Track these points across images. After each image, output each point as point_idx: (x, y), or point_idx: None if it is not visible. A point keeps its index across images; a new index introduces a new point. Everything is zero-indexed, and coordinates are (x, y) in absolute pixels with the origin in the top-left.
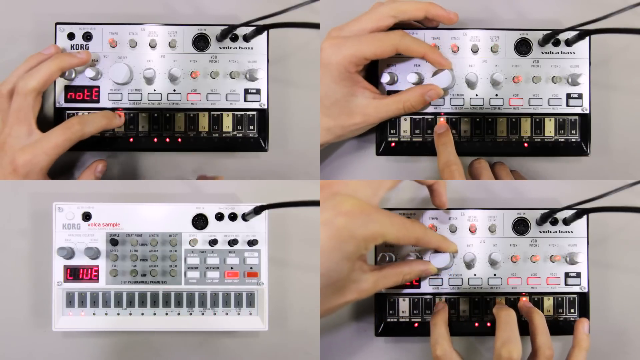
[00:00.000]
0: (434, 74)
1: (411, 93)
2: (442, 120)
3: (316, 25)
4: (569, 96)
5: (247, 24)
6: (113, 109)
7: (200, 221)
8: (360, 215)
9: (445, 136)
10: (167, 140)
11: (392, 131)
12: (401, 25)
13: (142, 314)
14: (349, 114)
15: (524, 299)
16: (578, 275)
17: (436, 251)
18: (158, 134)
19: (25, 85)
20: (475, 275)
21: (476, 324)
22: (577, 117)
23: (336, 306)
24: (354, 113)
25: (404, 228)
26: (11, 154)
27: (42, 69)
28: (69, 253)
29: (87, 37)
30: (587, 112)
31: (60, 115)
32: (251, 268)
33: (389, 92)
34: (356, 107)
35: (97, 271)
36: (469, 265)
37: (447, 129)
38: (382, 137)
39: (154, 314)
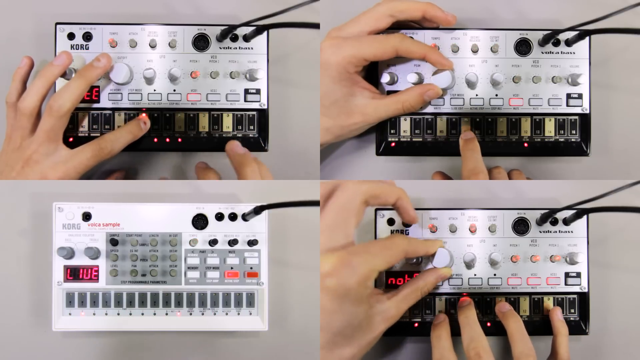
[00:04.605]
0: (434, 73)
1: (410, 93)
2: (467, 128)
3: (316, 25)
4: (569, 96)
5: (247, 24)
6: (134, 110)
7: (200, 221)
8: (343, 267)
9: (472, 142)
10: (167, 140)
11: (392, 131)
12: (400, 26)
13: (142, 314)
14: (348, 114)
15: (502, 302)
16: (578, 275)
17: (432, 256)
18: (158, 134)
19: (60, 108)
20: (475, 275)
21: None
22: (577, 117)
23: (373, 339)
24: (353, 113)
25: (388, 250)
26: (40, 170)
27: (72, 90)
28: (69, 253)
29: (87, 37)
30: (587, 112)
31: None
32: (251, 268)
33: (389, 92)
34: (355, 106)
35: (97, 271)
36: (469, 265)
37: (474, 137)
38: (382, 137)
39: (154, 314)
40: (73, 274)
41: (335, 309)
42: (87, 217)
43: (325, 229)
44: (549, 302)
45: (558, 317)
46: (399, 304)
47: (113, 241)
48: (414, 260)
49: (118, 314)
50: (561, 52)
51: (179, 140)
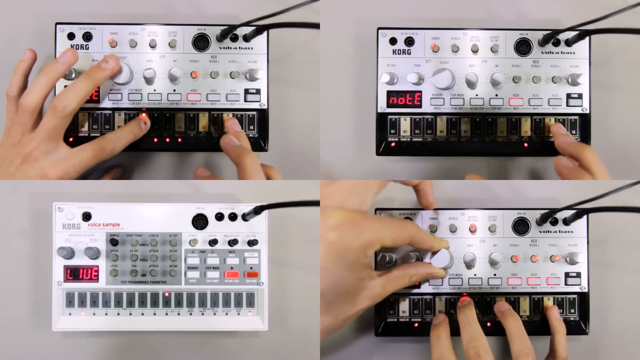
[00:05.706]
0: (434, 73)
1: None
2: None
3: (316, 25)
4: (569, 96)
5: (247, 24)
6: (134, 110)
7: (200, 221)
8: (352, 226)
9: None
10: (167, 140)
11: (392, 131)
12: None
13: (142, 314)
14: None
15: (501, 301)
16: (578, 275)
17: (433, 253)
18: (158, 134)
19: (64, 108)
20: (475, 275)
21: None
22: (577, 117)
23: (353, 315)
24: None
25: (398, 228)
26: (39, 168)
27: (78, 90)
28: (69, 253)
29: (87, 37)
30: (587, 112)
31: None
32: (251, 268)
33: (389, 93)
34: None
35: (97, 271)
36: (469, 265)
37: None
38: (382, 137)
39: (154, 314)
40: (73, 274)
41: (327, 266)
42: (87, 217)
43: (342, 188)
44: (548, 302)
45: (555, 316)
46: (387, 283)
47: (113, 241)
48: (414, 259)
49: (118, 314)
50: (561, 52)
51: (179, 140)
